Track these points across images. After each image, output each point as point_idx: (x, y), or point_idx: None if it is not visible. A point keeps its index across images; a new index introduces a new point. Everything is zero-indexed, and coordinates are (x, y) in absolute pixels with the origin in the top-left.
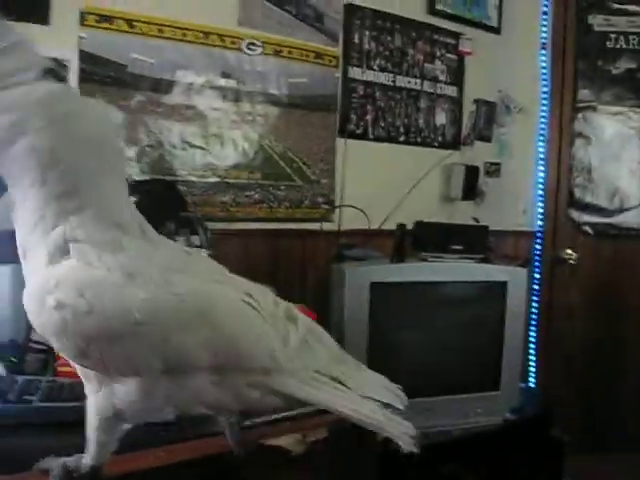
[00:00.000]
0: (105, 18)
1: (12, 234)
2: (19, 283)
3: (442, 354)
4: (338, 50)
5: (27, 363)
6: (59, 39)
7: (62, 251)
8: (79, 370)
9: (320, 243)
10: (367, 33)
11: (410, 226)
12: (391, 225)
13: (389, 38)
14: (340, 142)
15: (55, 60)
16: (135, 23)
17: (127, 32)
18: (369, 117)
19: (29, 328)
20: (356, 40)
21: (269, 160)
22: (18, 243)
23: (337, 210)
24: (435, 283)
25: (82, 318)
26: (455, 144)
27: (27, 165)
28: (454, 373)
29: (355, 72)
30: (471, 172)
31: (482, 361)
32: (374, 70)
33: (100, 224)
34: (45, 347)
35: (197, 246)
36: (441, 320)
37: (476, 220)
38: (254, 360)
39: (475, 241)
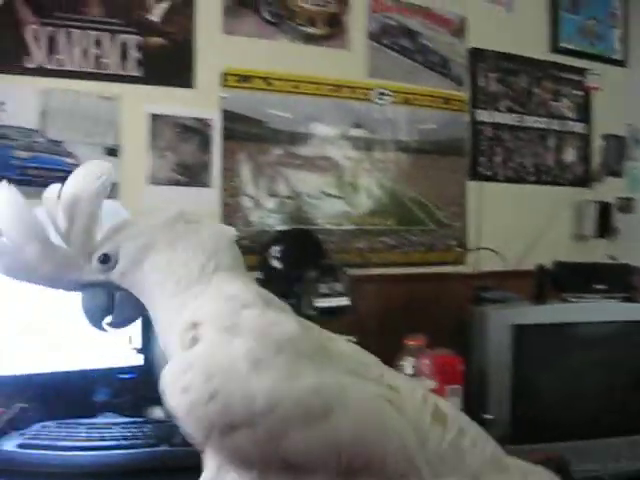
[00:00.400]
0: (244, 78)
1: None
2: None
3: (587, 396)
4: (465, 94)
5: None
6: (202, 100)
7: (193, 339)
8: None
9: (454, 286)
10: (492, 75)
11: (548, 266)
12: (524, 266)
13: (514, 79)
14: (471, 185)
15: (199, 120)
16: (272, 81)
17: (265, 89)
18: (498, 158)
19: None
20: (482, 83)
21: (402, 206)
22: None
23: (471, 252)
24: (578, 324)
25: (206, 402)
26: (585, 181)
27: (155, 279)
28: (601, 416)
29: (482, 115)
30: (603, 208)
31: (629, 403)
32: (501, 111)
33: (226, 306)
34: None
35: (340, 293)
36: (586, 361)
37: (612, 258)
38: (386, 463)
39: (617, 280)
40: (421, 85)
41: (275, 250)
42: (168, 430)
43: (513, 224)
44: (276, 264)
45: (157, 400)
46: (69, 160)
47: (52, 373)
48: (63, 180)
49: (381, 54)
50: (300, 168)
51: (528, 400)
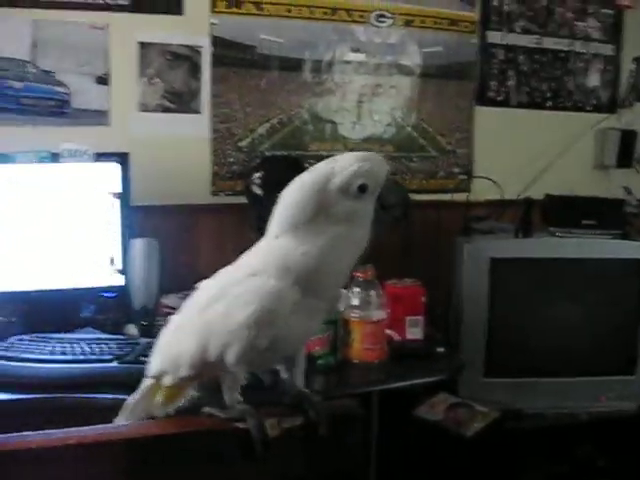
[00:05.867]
0: (235, 3)
1: (146, 209)
2: (149, 255)
3: (570, 335)
4: (475, 14)
5: (156, 327)
6: (192, 27)
7: None
8: None
9: (454, 214)
10: None
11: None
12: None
13: None
14: (478, 110)
15: (189, 47)
16: (263, 5)
17: (256, 15)
18: (511, 83)
19: (159, 295)
20: (495, 2)
21: (401, 131)
22: None
23: (473, 181)
24: (560, 259)
25: None
26: (611, 107)
27: None
28: (583, 355)
29: (494, 36)
30: (628, 137)
31: (615, 344)
32: (516, 33)
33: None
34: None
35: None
36: (570, 299)
37: (628, 190)
38: None
39: (611, 215)
40: (426, 6)
41: (256, 177)
42: (127, 347)
43: (526, 152)
44: (256, 190)
45: (133, 319)
46: (60, 89)
47: (38, 290)
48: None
49: None
50: (293, 93)
51: (503, 335)
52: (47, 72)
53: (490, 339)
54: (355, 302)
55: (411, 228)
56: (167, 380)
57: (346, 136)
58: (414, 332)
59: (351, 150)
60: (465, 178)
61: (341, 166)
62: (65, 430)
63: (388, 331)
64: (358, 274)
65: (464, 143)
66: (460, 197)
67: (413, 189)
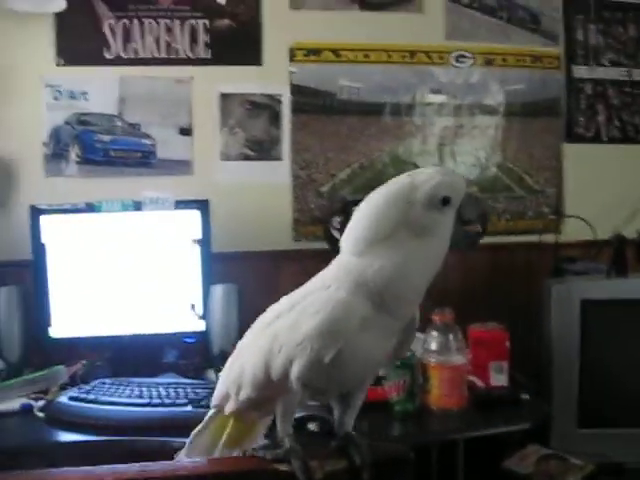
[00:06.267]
0: (313, 51)
1: (226, 255)
2: (229, 300)
3: None
4: (558, 49)
5: None
6: (271, 76)
7: None
8: None
9: (543, 256)
10: (592, 27)
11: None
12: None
13: (620, 29)
14: (567, 147)
15: (268, 96)
16: (341, 52)
17: (334, 61)
18: (600, 118)
19: (238, 340)
20: (580, 36)
21: (486, 172)
22: None
23: (564, 220)
24: None
25: None
26: None
27: None
28: None
29: (581, 71)
30: None
31: None
32: (604, 66)
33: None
34: None
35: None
36: None
37: None
38: None
39: None
40: (507, 44)
41: (336, 221)
42: (203, 392)
43: (619, 189)
44: (336, 234)
45: (213, 363)
46: (146, 141)
47: (121, 336)
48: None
49: (459, 15)
50: (373, 138)
51: (597, 382)
52: (134, 125)
53: (583, 386)
54: (433, 346)
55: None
56: (229, 407)
57: None
58: (498, 378)
59: None
60: (555, 218)
61: (422, 179)
62: (101, 467)
63: (471, 377)
64: (436, 317)
65: (553, 182)
66: (550, 238)
67: (500, 231)
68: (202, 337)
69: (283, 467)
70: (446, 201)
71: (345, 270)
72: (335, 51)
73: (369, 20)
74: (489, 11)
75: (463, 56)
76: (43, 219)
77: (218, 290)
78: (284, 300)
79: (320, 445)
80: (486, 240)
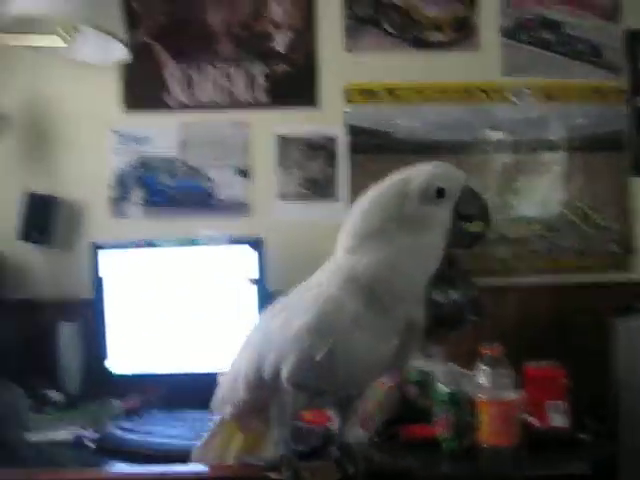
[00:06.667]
0: (368, 92)
1: (282, 293)
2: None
3: None
4: (622, 82)
5: None
6: (326, 117)
7: None
8: None
9: (611, 294)
10: None
11: None
12: None
13: None
14: (635, 182)
15: (324, 136)
16: (396, 91)
17: (389, 101)
18: None
19: None
20: None
21: (550, 209)
22: None
23: (632, 257)
24: None
25: None
26: None
27: None
28: None
29: None
30: None
31: None
32: None
33: None
34: None
35: (454, 300)
36: None
37: None
38: None
39: None
40: (567, 78)
41: None
42: None
43: None
44: None
45: None
46: (206, 183)
47: (177, 374)
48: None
49: (516, 51)
50: None
51: None
52: (194, 168)
53: None
54: (482, 381)
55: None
56: (228, 412)
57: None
58: (557, 419)
59: (495, 232)
60: (622, 255)
61: (416, 173)
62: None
63: (528, 417)
64: (485, 351)
65: (620, 218)
66: (617, 276)
67: (565, 269)
68: None
69: (274, 475)
70: (441, 193)
71: (337, 267)
72: (390, 91)
73: (424, 59)
74: (547, 45)
75: (521, 92)
76: (102, 255)
77: None
78: (280, 301)
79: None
80: (550, 278)
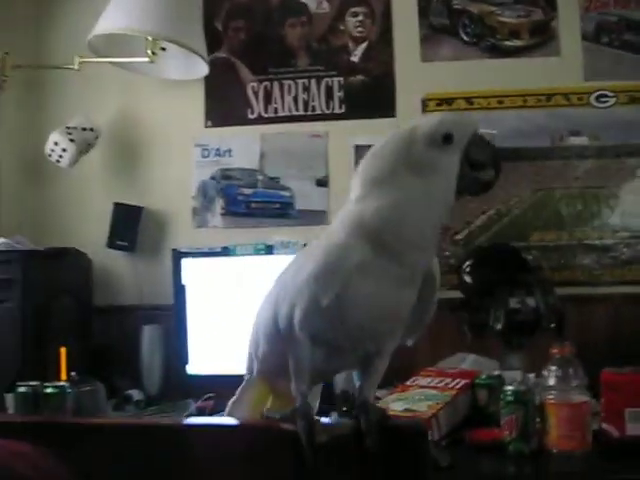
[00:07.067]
0: (445, 101)
1: None
2: None
3: None
4: None
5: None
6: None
7: None
8: None
9: None
10: None
11: None
12: None
13: None
14: None
15: None
16: (474, 99)
17: (467, 109)
18: None
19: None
20: None
21: (635, 215)
22: None
23: None
24: None
25: None
26: None
27: None
28: None
29: None
30: None
31: None
32: None
33: None
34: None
35: (532, 308)
36: None
37: None
38: None
39: None
40: None
41: (467, 264)
42: None
43: None
44: (467, 278)
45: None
46: (285, 193)
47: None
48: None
49: (599, 54)
50: (510, 183)
51: None
52: (273, 178)
53: None
54: (551, 382)
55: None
56: (255, 370)
57: (573, 225)
58: (636, 427)
59: (579, 241)
60: None
61: (425, 120)
62: None
63: (604, 426)
64: (555, 350)
65: None
66: None
67: None
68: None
69: (287, 426)
70: (448, 138)
71: (346, 215)
72: (468, 99)
73: (501, 66)
74: (630, 47)
75: (604, 95)
76: (184, 262)
77: None
78: (298, 252)
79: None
80: (637, 288)
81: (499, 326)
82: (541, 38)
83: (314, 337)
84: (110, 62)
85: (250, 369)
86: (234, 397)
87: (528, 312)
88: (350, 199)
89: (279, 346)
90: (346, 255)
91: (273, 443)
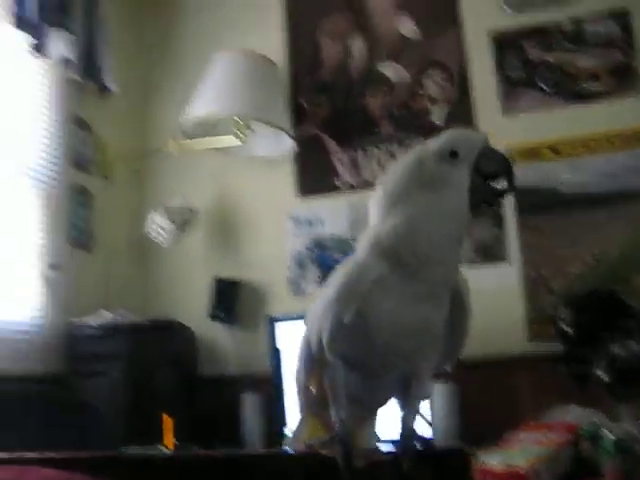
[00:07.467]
0: (530, 152)
1: None
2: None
3: None
4: None
5: None
6: None
7: None
8: None
9: None
10: None
11: None
12: None
13: None
14: None
15: None
16: (559, 147)
17: (552, 158)
18: None
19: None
20: None
21: None
22: None
23: None
24: None
25: None
26: None
27: None
28: None
29: None
30: None
31: None
32: None
33: None
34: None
35: (637, 354)
36: None
37: None
38: None
39: None
40: None
41: (564, 313)
42: None
43: None
44: (565, 327)
45: None
46: None
47: None
48: None
49: None
50: (603, 228)
51: None
52: None
53: None
54: None
55: None
56: (302, 403)
57: None
58: None
59: None
60: None
61: (435, 139)
62: None
63: None
64: None
65: None
66: None
67: None
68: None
69: (325, 452)
70: (454, 154)
71: (366, 237)
72: (553, 148)
73: (583, 111)
74: None
75: None
76: (278, 327)
77: (439, 389)
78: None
79: None
80: None
81: (604, 376)
82: (623, 78)
83: (345, 359)
84: (203, 147)
85: (300, 406)
86: (293, 432)
87: (632, 359)
88: (370, 223)
89: (314, 371)
90: (364, 272)
91: (313, 469)
